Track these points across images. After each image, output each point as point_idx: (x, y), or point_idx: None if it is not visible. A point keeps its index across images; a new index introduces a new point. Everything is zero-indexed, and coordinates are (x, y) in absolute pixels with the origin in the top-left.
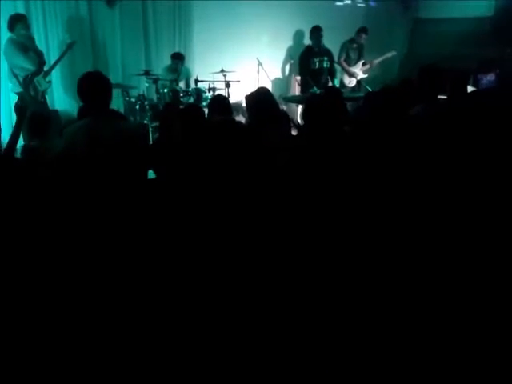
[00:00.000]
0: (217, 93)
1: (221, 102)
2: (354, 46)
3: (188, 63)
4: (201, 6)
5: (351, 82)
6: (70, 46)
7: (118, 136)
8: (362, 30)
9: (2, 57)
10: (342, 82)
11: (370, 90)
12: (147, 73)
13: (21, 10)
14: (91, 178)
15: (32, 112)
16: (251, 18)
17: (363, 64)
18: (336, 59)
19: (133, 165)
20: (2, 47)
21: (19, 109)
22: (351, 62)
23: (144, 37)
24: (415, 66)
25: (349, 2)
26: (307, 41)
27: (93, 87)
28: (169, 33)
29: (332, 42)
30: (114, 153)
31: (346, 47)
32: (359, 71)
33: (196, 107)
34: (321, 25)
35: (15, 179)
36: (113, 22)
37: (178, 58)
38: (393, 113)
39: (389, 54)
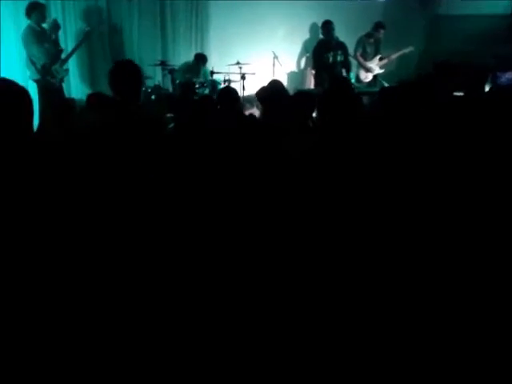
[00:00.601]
0: (232, 85)
1: (230, 94)
2: (371, 40)
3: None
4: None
5: (367, 77)
6: (87, 35)
7: (143, 125)
8: (379, 25)
9: (21, 44)
10: (358, 77)
11: (387, 85)
12: (163, 63)
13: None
14: (117, 167)
15: (53, 100)
16: (267, 10)
17: (380, 59)
18: (352, 53)
19: (155, 155)
20: (21, 34)
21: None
22: (368, 57)
23: (161, 27)
24: (432, 63)
25: None
26: None
27: (122, 76)
28: (186, 24)
29: (349, 36)
30: (138, 142)
31: (362, 41)
32: (375, 66)
33: (209, 98)
34: (338, 19)
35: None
36: (130, 11)
37: (201, 60)
38: (409, 108)
39: (406, 50)
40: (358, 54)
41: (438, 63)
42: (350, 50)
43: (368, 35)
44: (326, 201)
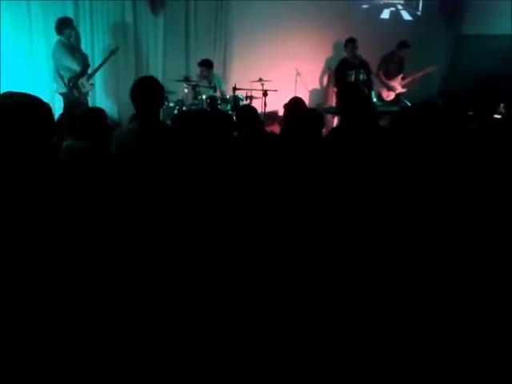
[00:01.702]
0: (254, 101)
1: (249, 112)
2: (394, 58)
3: (227, 71)
4: (241, 16)
5: (389, 96)
6: (113, 52)
7: (163, 139)
8: (404, 44)
9: (50, 58)
10: (379, 95)
11: (409, 104)
12: (186, 79)
13: (70, 13)
14: (139, 178)
15: (85, 110)
16: (292, 27)
17: (402, 78)
18: (374, 71)
19: (175, 167)
20: (51, 49)
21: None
22: (390, 76)
23: (185, 44)
24: (457, 83)
25: (388, 12)
26: None
27: (144, 92)
28: (209, 41)
29: (374, 55)
30: (159, 155)
31: (385, 60)
32: (398, 85)
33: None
34: (362, 37)
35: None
36: (156, 28)
37: (204, 65)
38: (434, 128)
39: (429, 69)
40: (381, 72)
41: (478, 82)
42: (374, 69)
43: (392, 54)
44: (333, 209)
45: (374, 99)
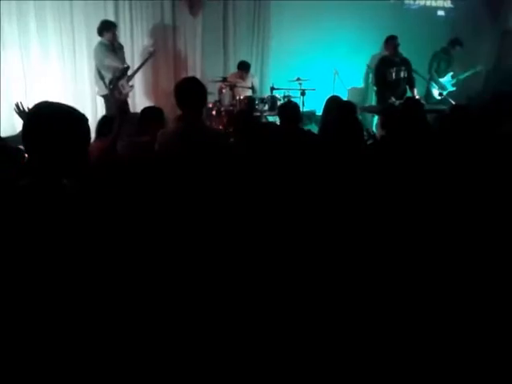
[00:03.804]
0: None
1: (290, 109)
2: (446, 56)
3: (265, 71)
4: (279, 16)
5: (440, 94)
6: (151, 54)
7: (206, 140)
8: (456, 42)
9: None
10: (430, 93)
11: (453, 103)
12: (224, 79)
13: (110, 15)
14: (182, 178)
15: (144, 107)
16: (329, 28)
17: (452, 76)
18: (427, 68)
19: (217, 168)
20: (93, 50)
21: (120, 111)
22: (440, 74)
23: (223, 44)
24: (502, 79)
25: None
26: None
27: (187, 92)
28: (247, 41)
29: (416, 52)
30: (202, 156)
31: (438, 57)
32: (448, 83)
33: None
34: (403, 34)
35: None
36: (194, 30)
37: (244, 67)
38: (481, 128)
39: (477, 69)
40: (433, 70)
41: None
42: (415, 66)
43: (444, 51)
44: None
45: (417, 97)
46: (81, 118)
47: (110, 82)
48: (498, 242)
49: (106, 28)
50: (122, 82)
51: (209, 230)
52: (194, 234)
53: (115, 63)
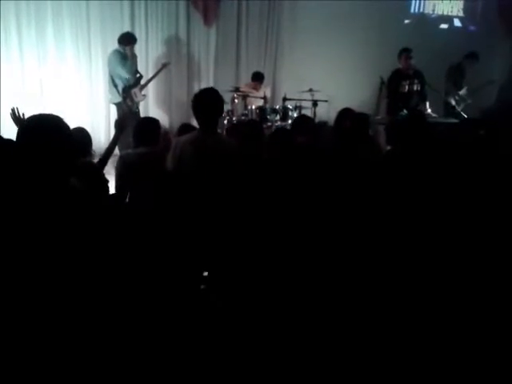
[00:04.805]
0: (303, 112)
1: (305, 123)
2: (461, 70)
3: (277, 81)
4: (292, 27)
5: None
6: (164, 66)
7: (220, 149)
8: (474, 56)
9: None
10: (447, 107)
11: (466, 116)
12: (237, 89)
13: (126, 25)
14: (197, 186)
15: (143, 118)
16: (342, 40)
17: (468, 90)
18: (444, 81)
19: (231, 177)
20: (107, 57)
21: (118, 123)
22: (458, 86)
23: (236, 54)
24: None
25: (445, 26)
26: None
27: (205, 103)
28: (259, 51)
29: (428, 65)
30: (216, 164)
31: (454, 71)
32: (465, 96)
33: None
34: (416, 47)
35: None
36: (208, 40)
37: (257, 79)
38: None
39: (491, 82)
40: (451, 82)
41: None
42: (430, 80)
43: (459, 65)
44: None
45: (429, 110)
46: (67, 132)
47: (124, 90)
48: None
49: (128, 41)
50: (135, 90)
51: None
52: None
53: (125, 73)
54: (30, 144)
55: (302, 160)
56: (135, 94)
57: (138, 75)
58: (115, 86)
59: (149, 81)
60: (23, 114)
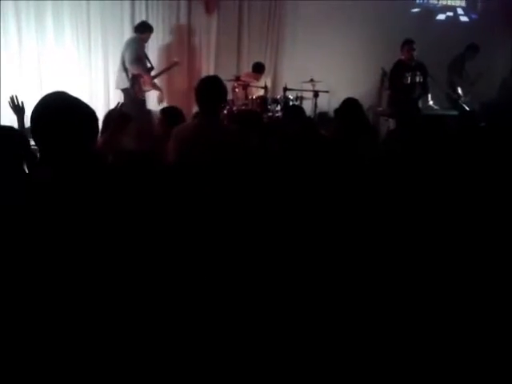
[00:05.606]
0: (304, 102)
1: (296, 112)
2: (464, 62)
3: (278, 71)
4: (294, 17)
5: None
6: (175, 64)
7: (222, 136)
8: (475, 48)
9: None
10: (449, 98)
11: (467, 108)
12: (237, 78)
13: (126, 14)
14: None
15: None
16: (344, 31)
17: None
18: (448, 72)
19: (232, 164)
20: (125, 41)
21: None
22: (462, 78)
23: (237, 44)
24: None
25: (450, 14)
26: None
27: (208, 90)
28: (261, 41)
29: (429, 57)
30: (218, 151)
31: (458, 64)
32: (469, 87)
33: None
34: (417, 38)
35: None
36: (209, 29)
37: (257, 71)
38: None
39: (480, 75)
40: (457, 74)
41: None
42: (432, 72)
43: (462, 56)
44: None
45: (431, 102)
46: (89, 110)
47: (133, 76)
48: (498, 245)
49: (147, 29)
50: (145, 78)
51: (218, 229)
52: (202, 234)
53: (145, 58)
54: (48, 122)
55: (304, 151)
56: (144, 82)
57: (149, 65)
58: (125, 70)
59: (158, 74)
60: (22, 102)
